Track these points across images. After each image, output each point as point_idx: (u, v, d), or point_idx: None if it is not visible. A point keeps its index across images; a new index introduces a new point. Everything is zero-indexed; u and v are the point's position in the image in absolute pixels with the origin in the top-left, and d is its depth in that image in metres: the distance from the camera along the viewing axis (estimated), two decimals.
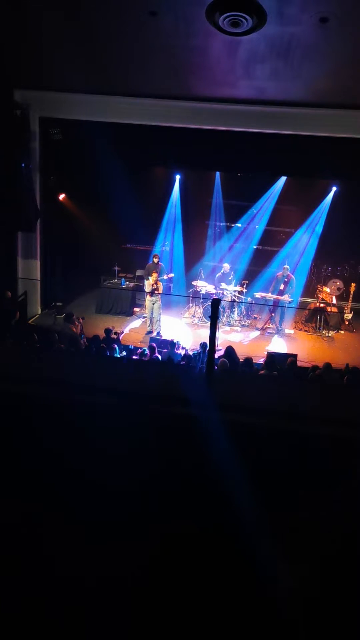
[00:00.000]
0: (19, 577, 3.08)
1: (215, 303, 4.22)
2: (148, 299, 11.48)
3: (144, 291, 12.56)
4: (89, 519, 3.28)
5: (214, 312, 4.20)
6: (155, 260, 12.25)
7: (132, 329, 11.75)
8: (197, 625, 2.95)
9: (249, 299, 12.44)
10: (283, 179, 12.86)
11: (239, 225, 13.76)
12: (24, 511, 3.33)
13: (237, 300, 12.22)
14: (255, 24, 7.17)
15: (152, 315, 11.47)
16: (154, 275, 11.48)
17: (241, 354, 8.86)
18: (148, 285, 11.43)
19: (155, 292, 11.37)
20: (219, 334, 11.24)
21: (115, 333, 9.68)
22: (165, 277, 12.29)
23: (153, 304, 11.41)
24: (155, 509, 3.37)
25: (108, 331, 9.45)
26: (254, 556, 3.17)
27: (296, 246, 13.23)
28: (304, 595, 3.07)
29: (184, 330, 11.76)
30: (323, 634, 2.95)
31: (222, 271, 12.56)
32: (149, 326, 11.51)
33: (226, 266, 12.58)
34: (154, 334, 11.20)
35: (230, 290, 12.17)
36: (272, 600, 3.04)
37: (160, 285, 11.60)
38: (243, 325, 12.22)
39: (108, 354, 8.56)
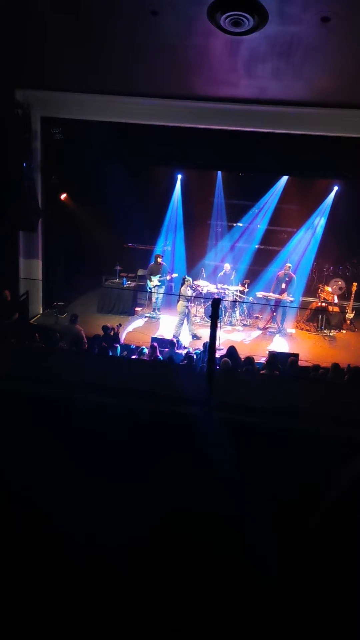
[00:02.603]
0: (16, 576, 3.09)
1: (216, 303, 4.22)
2: (182, 304, 11.24)
3: (146, 291, 12.59)
4: (88, 520, 3.29)
5: (215, 312, 4.20)
6: (159, 260, 12.29)
7: (135, 329, 11.75)
8: (196, 621, 2.95)
9: (250, 299, 12.44)
10: (284, 178, 12.85)
11: (241, 224, 13.76)
12: (23, 511, 3.34)
13: (238, 299, 12.22)
14: (256, 24, 7.18)
15: (189, 318, 11.41)
16: (189, 280, 11.47)
17: (243, 353, 8.86)
18: (184, 290, 11.32)
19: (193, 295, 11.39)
20: (221, 333, 11.24)
21: (112, 329, 9.67)
22: (167, 277, 12.32)
23: (185, 307, 11.33)
24: (155, 509, 3.38)
25: (106, 328, 9.45)
26: (253, 556, 3.17)
27: (298, 245, 13.22)
28: (304, 592, 3.07)
29: (185, 330, 11.75)
30: (323, 630, 2.96)
31: (223, 271, 12.56)
32: (178, 328, 11.34)
33: (227, 266, 12.58)
34: (180, 335, 11.19)
35: (231, 289, 12.17)
36: (271, 597, 3.05)
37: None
38: (245, 325, 12.22)
39: (110, 353, 8.56)
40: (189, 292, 11.35)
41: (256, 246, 13.57)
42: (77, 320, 9.76)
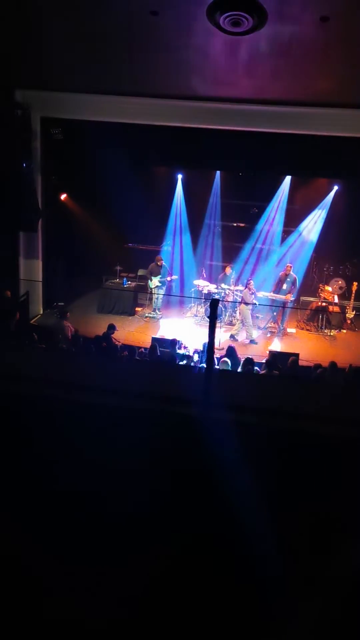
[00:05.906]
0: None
1: (214, 303, 4.22)
2: (246, 308, 11.38)
3: (146, 291, 12.59)
4: (87, 524, 3.28)
5: (213, 312, 4.21)
6: (159, 263, 12.30)
7: (136, 329, 11.73)
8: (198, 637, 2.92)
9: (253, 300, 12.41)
10: (285, 178, 12.84)
11: (241, 224, 13.74)
12: (21, 519, 3.33)
13: (239, 300, 12.20)
14: (256, 24, 7.17)
15: (249, 322, 11.46)
16: (252, 283, 11.56)
17: (243, 353, 8.85)
18: (247, 294, 11.39)
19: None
20: (222, 333, 11.25)
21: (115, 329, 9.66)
22: (168, 278, 12.31)
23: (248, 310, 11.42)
24: (155, 511, 3.37)
25: (112, 327, 9.43)
26: (254, 561, 3.16)
27: (298, 245, 13.20)
28: (307, 601, 3.06)
29: (185, 330, 11.75)
30: None
31: (223, 273, 12.56)
32: (238, 333, 11.43)
33: (228, 269, 12.56)
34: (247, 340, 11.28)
35: (232, 289, 12.16)
36: (275, 610, 3.03)
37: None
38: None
39: (108, 354, 8.56)
40: (250, 298, 11.38)
41: (256, 246, 13.55)
42: (65, 317, 9.75)
